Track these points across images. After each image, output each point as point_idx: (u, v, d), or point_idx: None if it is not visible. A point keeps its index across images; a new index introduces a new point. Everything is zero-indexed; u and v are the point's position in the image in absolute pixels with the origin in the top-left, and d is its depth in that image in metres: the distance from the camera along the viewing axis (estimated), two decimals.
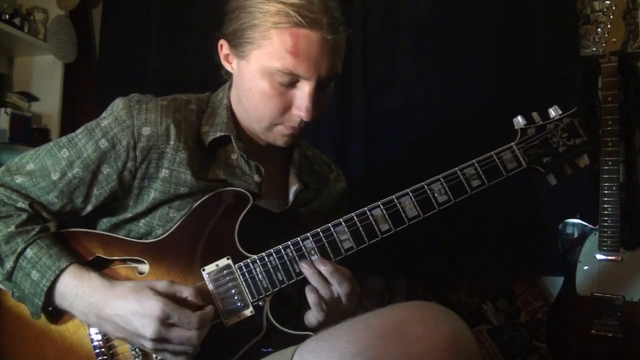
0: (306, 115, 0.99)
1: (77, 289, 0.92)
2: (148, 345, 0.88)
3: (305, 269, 0.97)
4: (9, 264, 0.93)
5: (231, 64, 1.05)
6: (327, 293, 0.97)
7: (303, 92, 0.98)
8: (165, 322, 0.87)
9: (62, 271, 0.92)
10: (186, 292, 0.91)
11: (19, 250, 0.93)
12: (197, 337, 0.89)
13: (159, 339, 0.87)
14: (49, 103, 2.35)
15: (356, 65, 2.06)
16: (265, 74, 0.97)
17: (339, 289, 0.97)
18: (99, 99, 2.35)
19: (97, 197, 1.02)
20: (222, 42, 1.05)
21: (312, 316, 0.99)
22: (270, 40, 0.95)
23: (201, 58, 2.15)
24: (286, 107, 1.00)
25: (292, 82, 0.98)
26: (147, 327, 0.86)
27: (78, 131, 1.03)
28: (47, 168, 1.00)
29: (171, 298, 0.89)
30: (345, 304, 0.98)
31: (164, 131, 1.01)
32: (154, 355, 0.94)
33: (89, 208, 1.03)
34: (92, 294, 0.91)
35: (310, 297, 0.97)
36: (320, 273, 0.96)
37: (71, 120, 2.36)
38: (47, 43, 2.28)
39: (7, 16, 2.15)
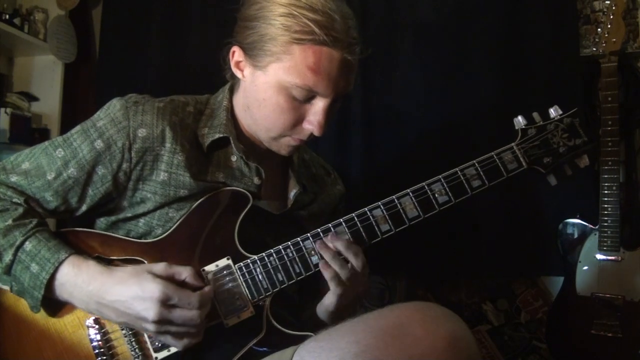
0: (318, 131, 1.00)
1: (76, 277, 0.92)
2: (150, 327, 0.88)
3: (325, 250, 0.96)
4: (7, 257, 0.92)
5: (243, 72, 1.04)
6: (345, 271, 0.96)
7: (318, 108, 0.99)
8: (166, 303, 0.88)
9: (61, 263, 0.92)
10: (185, 273, 0.92)
11: (17, 243, 0.92)
12: (199, 316, 0.89)
13: (161, 321, 0.88)
14: (49, 103, 2.35)
15: (356, 65, 2.05)
16: (281, 87, 0.97)
17: (355, 261, 0.97)
18: (99, 99, 2.35)
19: (92, 197, 1.02)
20: (235, 48, 1.03)
21: (331, 294, 0.99)
22: (291, 55, 0.94)
23: (201, 58, 2.15)
24: (298, 121, 1.01)
25: (308, 97, 0.98)
26: (149, 310, 0.87)
27: (73, 131, 1.03)
28: (42, 167, 1.00)
29: (170, 280, 0.90)
30: (362, 278, 0.99)
31: (160, 133, 1.01)
32: (153, 356, 0.94)
33: (84, 208, 1.03)
34: (91, 281, 0.91)
35: (327, 273, 0.96)
36: (337, 252, 0.97)
37: (71, 120, 2.34)
38: (47, 43, 2.27)
39: (7, 16, 2.14)
